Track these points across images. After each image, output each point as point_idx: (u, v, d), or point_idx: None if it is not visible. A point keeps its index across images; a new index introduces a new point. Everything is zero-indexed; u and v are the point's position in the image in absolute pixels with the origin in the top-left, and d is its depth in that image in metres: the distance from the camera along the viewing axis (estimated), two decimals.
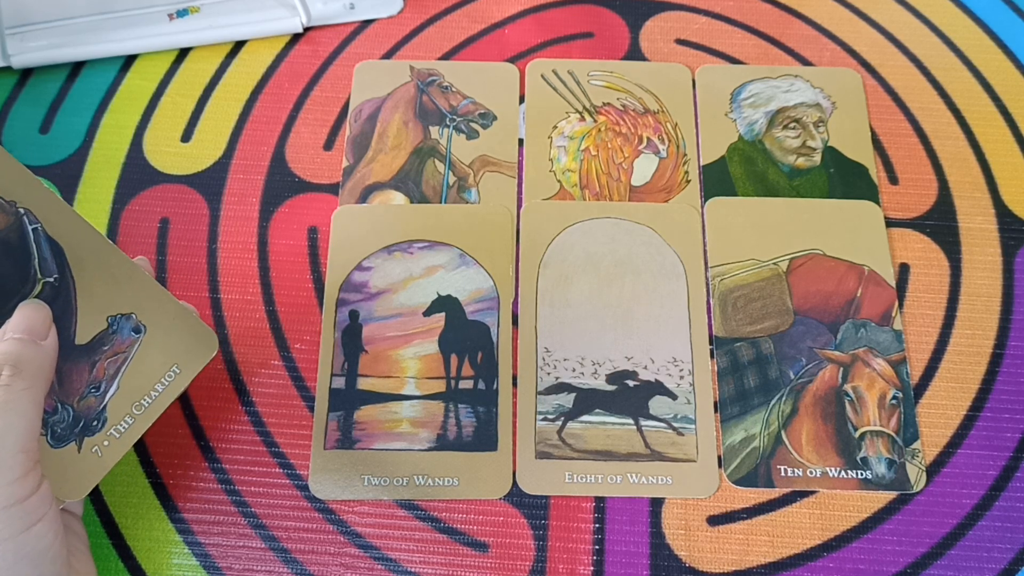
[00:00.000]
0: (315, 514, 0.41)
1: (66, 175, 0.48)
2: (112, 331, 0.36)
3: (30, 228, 0.34)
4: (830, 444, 0.42)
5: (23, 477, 0.30)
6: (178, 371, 0.37)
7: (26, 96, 0.51)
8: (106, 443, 0.35)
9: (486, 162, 0.48)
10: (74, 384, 0.35)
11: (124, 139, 0.50)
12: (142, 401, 0.36)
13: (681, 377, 0.43)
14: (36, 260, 0.34)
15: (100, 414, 0.35)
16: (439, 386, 0.43)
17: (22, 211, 0.33)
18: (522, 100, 0.50)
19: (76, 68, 0.52)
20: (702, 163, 0.48)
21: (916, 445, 0.42)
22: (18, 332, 0.32)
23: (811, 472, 0.41)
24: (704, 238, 0.46)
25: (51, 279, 0.34)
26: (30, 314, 0.33)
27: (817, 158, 0.48)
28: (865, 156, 0.48)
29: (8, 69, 0.51)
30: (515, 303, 0.45)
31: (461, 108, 0.50)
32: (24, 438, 0.31)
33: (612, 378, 0.43)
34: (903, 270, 0.46)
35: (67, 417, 0.35)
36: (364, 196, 0.47)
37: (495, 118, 0.50)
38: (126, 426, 0.36)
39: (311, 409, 0.43)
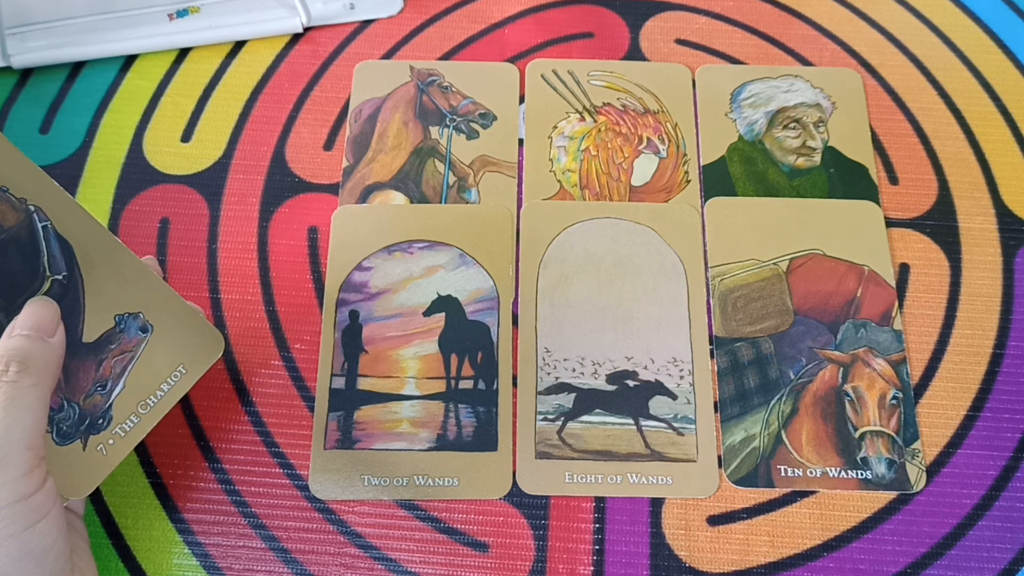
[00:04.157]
0: (315, 514, 0.41)
1: (66, 175, 0.48)
2: (119, 330, 0.36)
3: (40, 225, 0.34)
4: (830, 444, 0.42)
5: (28, 474, 0.30)
6: (184, 371, 0.37)
7: (26, 96, 0.51)
8: (111, 442, 0.35)
9: (486, 162, 0.48)
10: (80, 382, 0.35)
11: (124, 139, 0.50)
12: (148, 400, 0.36)
13: (681, 377, 0.43)
14: (45, 257, 0.34)
15: (106, 412, 0.35)
16: (439, 386, 0.43)
17: (32, 208, 0.34)
18: (522, 100, 0.50)
19: (76, 68, 0.52)
20: (702, 163, 0.48)
21: (916, 445, 0.42)
22: (26, 328, 0.32)
23: (811, 472, 0.41)
24: (704, 238, 0.46)
25: (60, 277, 0.34)
26: (38, 311, 0.33)
27: (817, 158, 0.48)
28: (865, 156, 0.49)
29: (8, 69, 0.51)
30: (515, 303, 0.45)
31: (461, 108, 0.50)
32: (30, 434, 0.31)
33: (612, 378, 0.43)
34: (903, 270, 0.46)
35: (73, 415, 0.35)
36: (364, 196, 0.47)
37: (495, 118, 0.50)
38: (131, 425, 0.36)
39: (311, 409, 0.43)
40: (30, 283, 0.34)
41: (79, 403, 0.35)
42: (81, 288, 0.35)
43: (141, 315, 0.36)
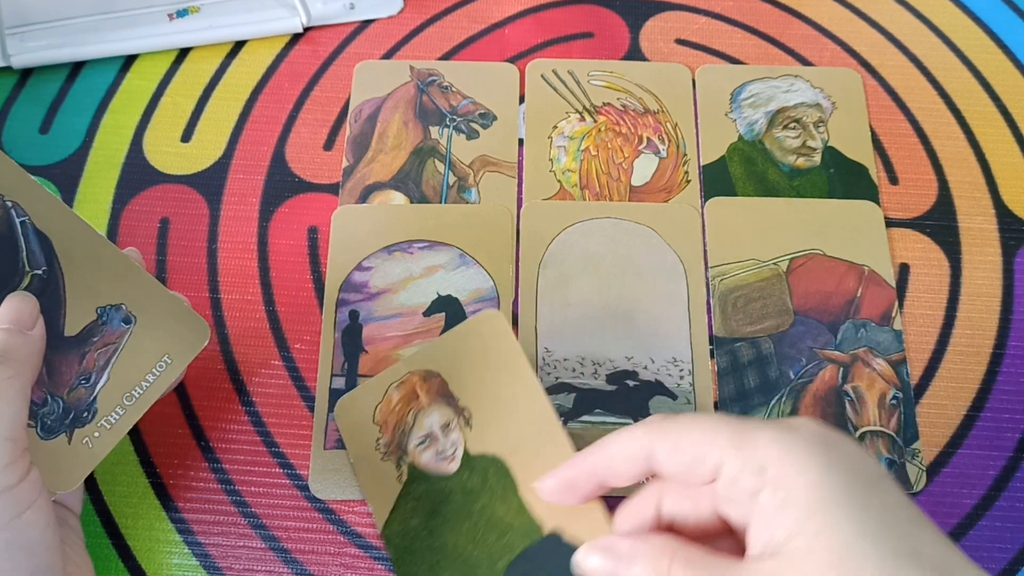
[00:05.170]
0: (315, 514, 0.41)
1: (66, 175, 0.48)
2: (102, 322, 0.36)
3: (18, 221, 0.34)
4: None
5: (10, 465, 0.31)
6: (169, 361, 0.37)
7: (26, 96, 0.51)
8: (97, 434, 0.35)
9: (486, 162, 0.48)
10: (64, 376, 0.35)
11: (124, 139, 0.50)
12: (133, 392, 0.36)
13: (681, 377, 0.43)
14: (24, 253, 0.34)
15: (90, 405, 0.35)
16: None
17: (9, 204, 0.34)
18: (522, 100, 0.50)
19: (76, 68, 0.52)
20: (702, 163, 0.48)
21: (916, 445, 0.42)
22: (4, 322, 0.33)
23: None
24: (704, 238, 0.46)
25: (39, 271, 0.34)
26: (17, 305, 0.33)
27: (817, 158, 0.48)
28: (865, 156, 0.49)
29: (8, 69, 0.51)
30: (515, 303, 0.45)
31: (461, 108, 0.50)
32: (10, 426, 0.31)
33: (612, 378, 0.43)
34: (903, 270, 0.46)
35: (57, 409, 0.34)
36: (364, 196, 0.47)
37: (495, 118, 0.50)
38: (117, 417, 0.36)
39: (311, 409, 0.43)
40: (9, 278, 0.34)
41: (63, 397, 0.35)
42: (61, 282, 0.35)
43: (124, 307, 0.36)
